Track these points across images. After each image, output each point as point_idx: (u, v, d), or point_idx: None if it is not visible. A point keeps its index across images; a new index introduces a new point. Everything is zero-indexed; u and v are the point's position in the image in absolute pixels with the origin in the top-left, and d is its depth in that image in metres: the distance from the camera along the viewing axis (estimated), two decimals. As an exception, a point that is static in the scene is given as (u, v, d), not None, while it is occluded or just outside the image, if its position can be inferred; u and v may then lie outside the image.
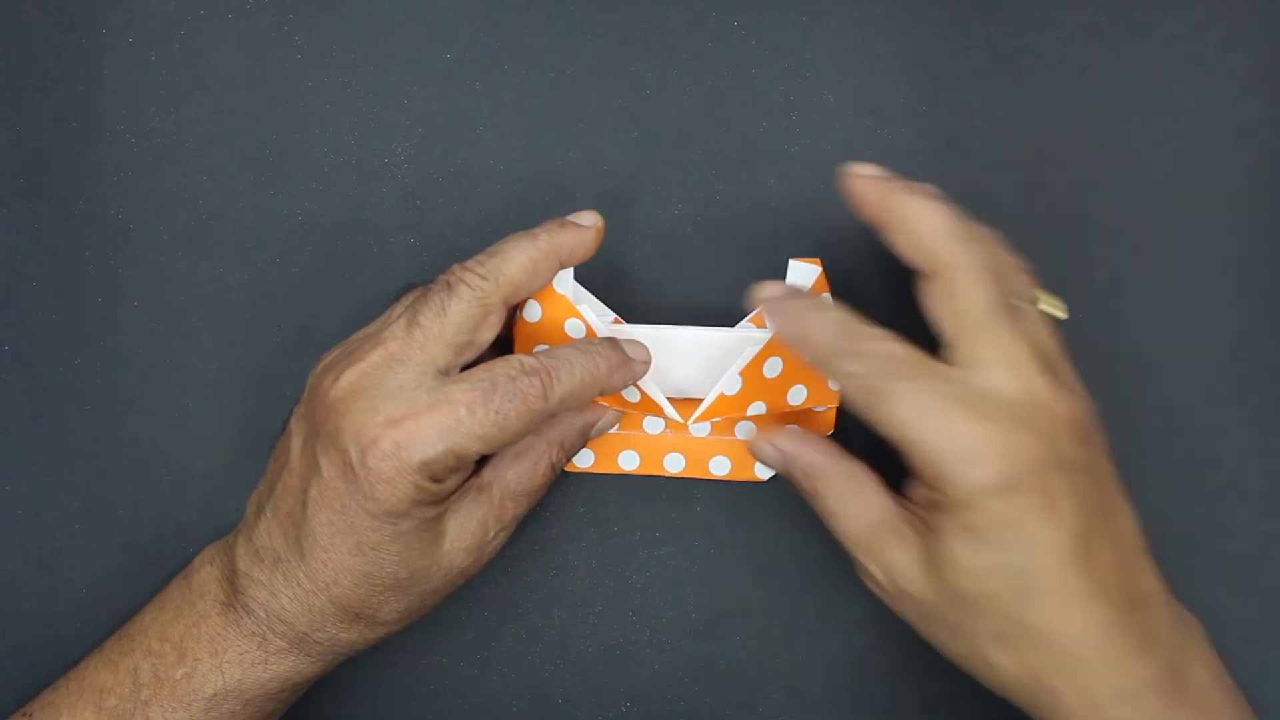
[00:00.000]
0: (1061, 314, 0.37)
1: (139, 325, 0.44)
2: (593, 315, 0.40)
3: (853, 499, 0.38)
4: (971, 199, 0.45)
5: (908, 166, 0.45)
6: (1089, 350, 0.45)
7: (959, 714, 0.44)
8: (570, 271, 0.40)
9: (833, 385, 0.41)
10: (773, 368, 0.41)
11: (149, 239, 0.44)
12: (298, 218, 0.45)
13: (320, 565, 0.37)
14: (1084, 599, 0.34)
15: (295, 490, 0.37)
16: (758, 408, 0.41)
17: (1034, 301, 0.37)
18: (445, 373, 0.36)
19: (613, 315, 0.43)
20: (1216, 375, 0.45)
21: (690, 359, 0.41)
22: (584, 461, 0.44)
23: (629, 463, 0.44)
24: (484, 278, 0.37)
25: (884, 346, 0.35)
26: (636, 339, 0.40)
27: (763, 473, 0.44)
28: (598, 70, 0.45)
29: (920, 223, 0.36)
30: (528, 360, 0.37)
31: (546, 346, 0.40)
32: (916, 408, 0.34)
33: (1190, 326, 0.45)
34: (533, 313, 0.41)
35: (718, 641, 0.44)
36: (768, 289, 0.39)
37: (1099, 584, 0.34)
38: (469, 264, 0.38)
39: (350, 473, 0.35)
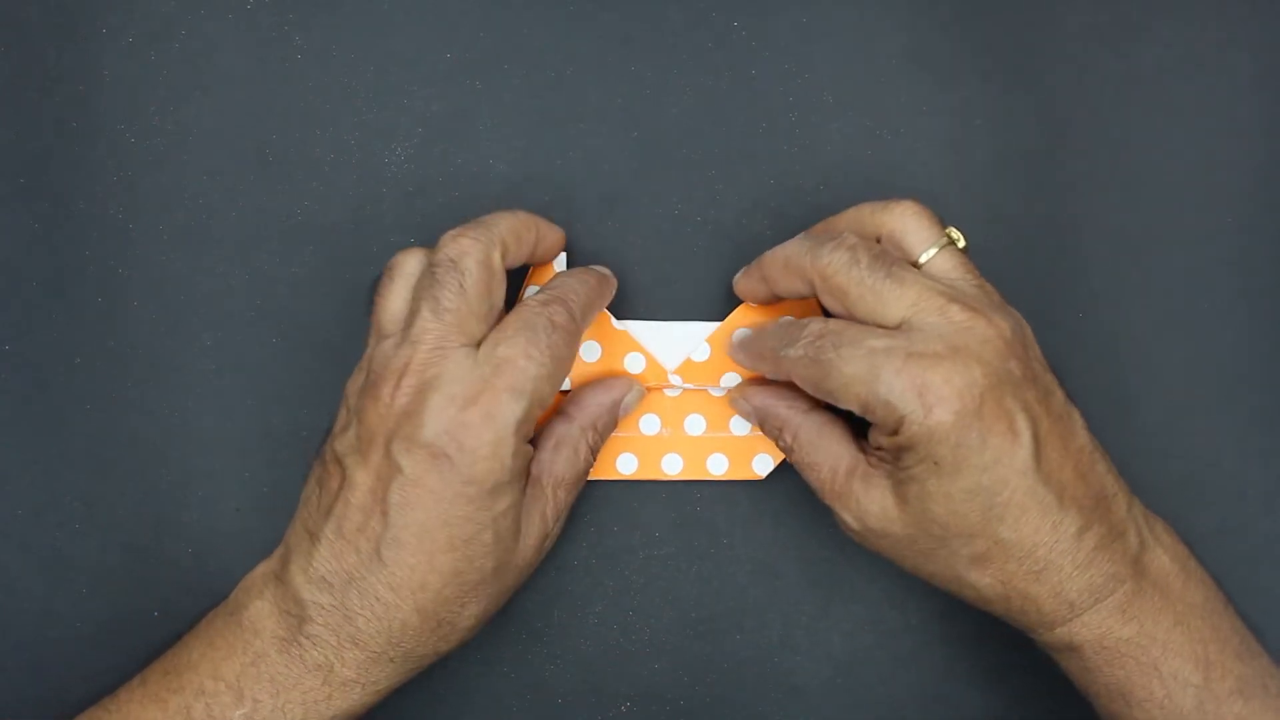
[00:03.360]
0: (961, 242, 0.39)
1: (139, 325, 0.44)
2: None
3: (821, 449, 0.40)
4: (971, 199, 0.45)
5: (908, 166, 0.45)
6: (1089, 350, 0.45)
7: (958, 713, 0.44)
8: (564, 258, 0.43)
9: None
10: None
11: (149, 239, 0.44)
12: (298, 218, 0.45)
13: (406, 571, 0.36)
14: (1048, 507, 0.36)
15: (366, 504, 0.37)
16: (732, 379, 0.43)
17: (942, 244, 0.39)
18: (482, 342, 0.38)
19: (608, 314, 0.44)
20: (1216, 375, 0.45)
21: (683, 351, 0.44)
22: (626, 469, 0.44)
23: (627, 467, 0.44)
24: (478, 240, 0.38)
25: (817, 326, 0.38)
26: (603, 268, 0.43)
27: (761, 469, 0.44)
28: (598, 70, 0.45)
29: (775, 266, 0.40)
30: (540, 295, 0.39)
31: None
32: (862, 367, 0.36)
33: (1190, 326, 0.45)
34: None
35: (718, 641, 0.44)
36: (735, 337, 0.43)
37: (1060, 490, 0.36)
38: (460, 232, 0.38)
39: (445, 463, 0.36)
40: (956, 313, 0.36)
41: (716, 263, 0.45)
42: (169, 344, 0.44)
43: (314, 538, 0.37)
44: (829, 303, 0.39)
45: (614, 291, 0.43)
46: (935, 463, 0.35)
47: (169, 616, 0.44)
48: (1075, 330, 0.45)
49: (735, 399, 0.43)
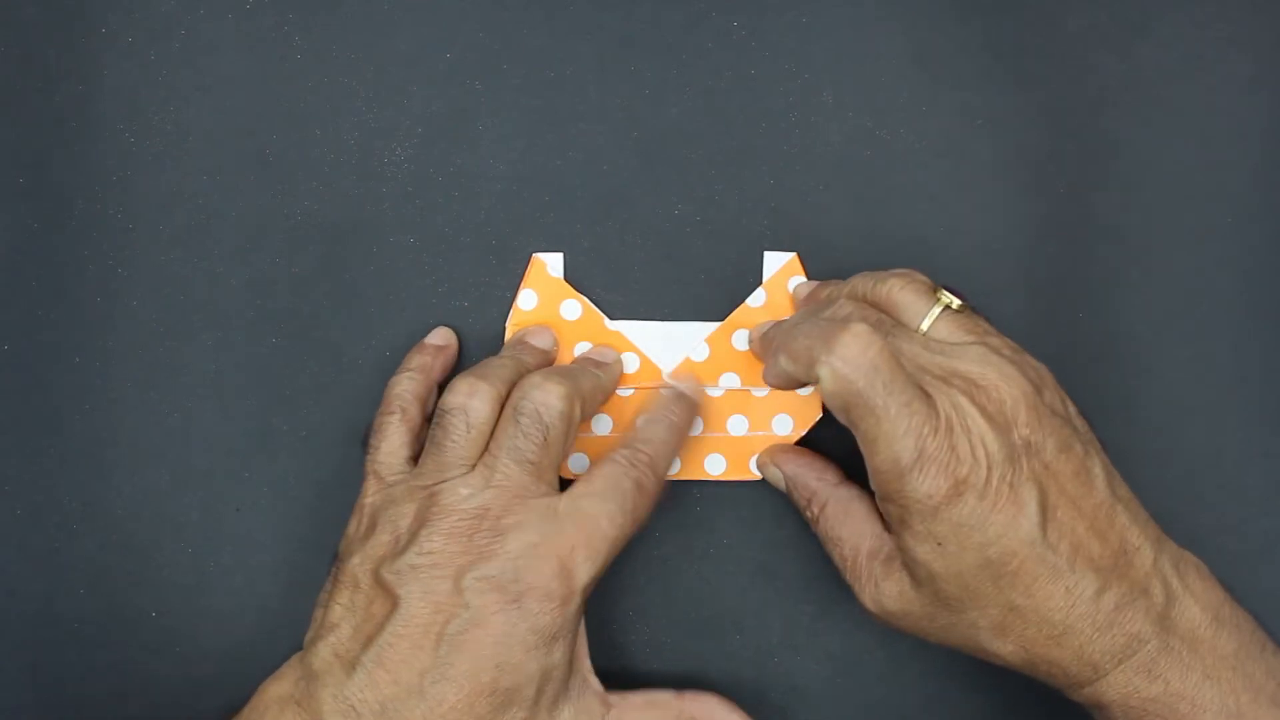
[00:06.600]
0: (955, 303, 0.38)
1: (139, 325, 0.44)
2: (588, 301, 0.44)
3: (846, 526, 0.40)
4: (971, 199, 0.45)
5: (908, 166, 0.45)
6: (1089, 350, 0.45)
7: (958, 713, 0.44)
8: (560, 259, 0.44)
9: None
10: (741, 340, 0.44)
11: (149, 239, 0.44)
12: (298, 218, 0.45)
13: (444, 709, 0.36)
14: (1059, 571, 0.35)
15: (416, 636, 0.36)
16: (730, 379, 0.44)
17: (936, 313, 0.38)
18: (563, 489, 0.39)
19: (601, 315, 0.44)
20: (1216, 375, 0.45)
21: (681, 351, 0.44)
22: (578, 467, 0.44)
23: None
24: (563, 396, 0.39)
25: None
26: (680, 385, 0.43)
27: (758, 470, 0.44)
28: (598, 70, 0.45)
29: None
30: (628, 451, 0.40)
31: (543, 328, 0.43)
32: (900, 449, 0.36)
33: (1190, 326, 0.45)
34: (528, 301, 0.44)
35: (718, 641, 0.44)
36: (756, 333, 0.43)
37: (1072, 553, 0.35)
38: (545, 379, 0.39)
39: (514, 608, 0.36)
40: (958, 398, 0.36)
41: (716, 263, 0.45)
42: (169, 344, 0.44)
43: (349, 665, 0.36)
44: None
45: (696, 404, 0.43)
46: (936, 539, 0.35)
47: (169, 616, 0.44)
48: (1075, 330, 0.45)
49: (765, 463, 0.43)
